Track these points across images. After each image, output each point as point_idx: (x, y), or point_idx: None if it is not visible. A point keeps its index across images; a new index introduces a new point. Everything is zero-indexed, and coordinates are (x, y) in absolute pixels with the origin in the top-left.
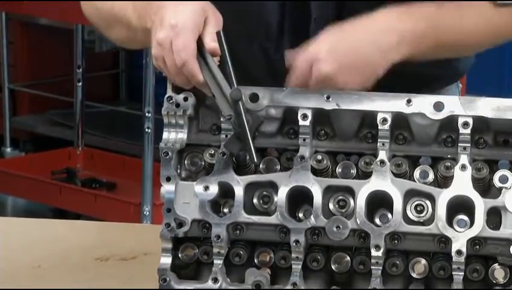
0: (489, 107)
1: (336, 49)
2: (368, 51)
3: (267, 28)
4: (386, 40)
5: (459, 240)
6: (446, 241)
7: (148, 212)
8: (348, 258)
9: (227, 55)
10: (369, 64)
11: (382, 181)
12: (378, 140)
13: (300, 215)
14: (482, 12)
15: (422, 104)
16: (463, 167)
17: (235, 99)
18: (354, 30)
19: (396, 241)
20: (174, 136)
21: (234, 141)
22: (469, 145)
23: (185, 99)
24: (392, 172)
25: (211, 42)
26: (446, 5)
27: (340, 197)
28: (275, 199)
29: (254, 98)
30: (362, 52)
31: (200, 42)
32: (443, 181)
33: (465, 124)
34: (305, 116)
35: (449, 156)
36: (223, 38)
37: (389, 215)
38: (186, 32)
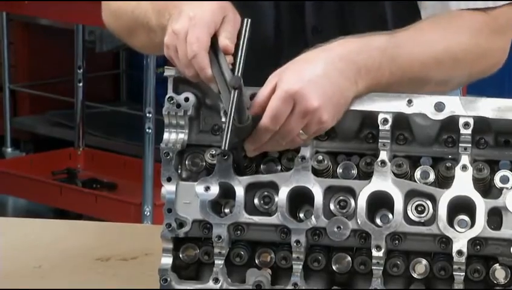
0: (490, 107)
1: (315, 82)
2: (339, 80)
3: (264, 39)
4: (349, 69)
5: (460, 241)
6: (447, 241)
7: (148, 213)
8: (349, 258)
9: (244, 45)
10: (342, 94)
11: (383, 181)
12: (379, 140)
13: (301, 215)
14: (436, 40)
15: (423, 105)
16: (464, 167)
17: (234, 86)
18: (319, 59)
19: (397, 242)
20: (174, 137)
21: (230, 137)
22: (470, 145)
23: (186, 99)
24: (392, 172)
25: (224, 40)
26: (398, 34)
27: (341, 198)
28: (276, 199)
29: None
30: (336, 82)
31: (214, 39)
32: (444, 181)
33: (466, 125)
34: None
35: (450, 156)
36: (247, 27)
37: (390, 216)
38: (202, 25)
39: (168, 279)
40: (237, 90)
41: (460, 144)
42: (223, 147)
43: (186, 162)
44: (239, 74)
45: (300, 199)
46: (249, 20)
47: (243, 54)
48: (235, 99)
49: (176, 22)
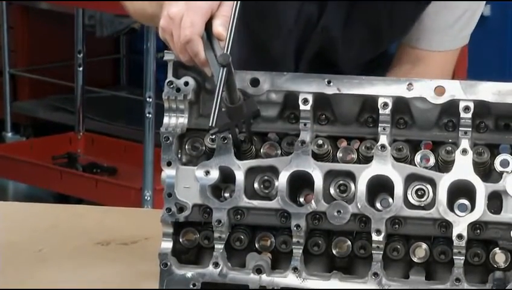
0: (490, 91)
1: None
2: None
3: (279, 28)
4: None
5: (460, 225)
6: (447, 225)
7: (149, 197)
8: (349, 242)
9: (233, 24)
10: None
11: (383, 166)
12: (379, 124)
13: (301, 199)
14: None
15: (423, 89)
16: (464, 151)
17: (222, 64)
18: None
19: (397, 226)
20: (174, 121)
21: (223, 118)
22: (470, 129)
23: (186, 84)
24: (392, 156)
25: (218, 26)
26: None
27: (341, 182)
28: (276, 183)
29: (255, 82)
30: None
31: (209, 23)
32: (444, 165)
33: (466, 109)
34: (306, 101)
35: (450, 140)
36: (236, 8)
37: (390, 200)
38: (197, 10)
39: (168, 263)
40: (226, 68)
41: (460, 128)
42: (210, 124)
43: (186, 147)
44: (228, 52)
45: (300, 183)
46: (238, 1)
47: (232, 33)
48: (223, 77)
49: (173, 6)
